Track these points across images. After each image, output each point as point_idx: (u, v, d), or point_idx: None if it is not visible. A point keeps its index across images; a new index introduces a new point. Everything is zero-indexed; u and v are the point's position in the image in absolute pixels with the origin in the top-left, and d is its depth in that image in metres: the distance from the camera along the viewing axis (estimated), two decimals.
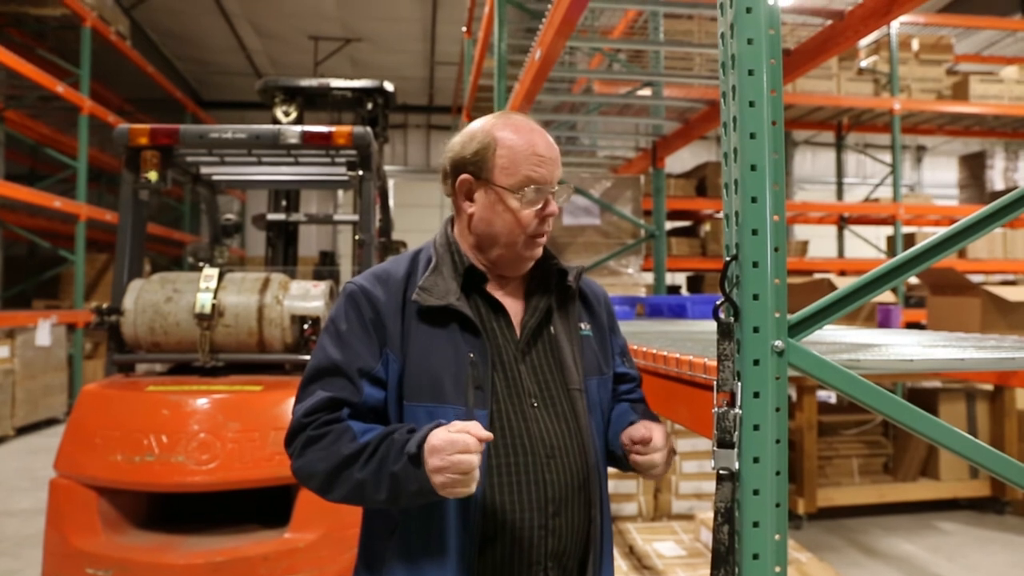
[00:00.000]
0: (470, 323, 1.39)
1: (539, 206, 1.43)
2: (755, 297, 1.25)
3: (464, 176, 1.46)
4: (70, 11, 8.51)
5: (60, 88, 8.33)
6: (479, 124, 1.48)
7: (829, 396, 6.41)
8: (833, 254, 10.43)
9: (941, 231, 1.31)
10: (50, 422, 8.42)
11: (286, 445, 1.41)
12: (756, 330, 1.25)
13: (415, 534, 1.35)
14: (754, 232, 1.25)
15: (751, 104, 1.26)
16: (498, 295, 1.48)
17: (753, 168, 1.25)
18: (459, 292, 1.41)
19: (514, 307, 1.49)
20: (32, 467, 6.40)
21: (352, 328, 1.40)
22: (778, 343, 1.25)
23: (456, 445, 1.20)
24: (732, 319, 1.28)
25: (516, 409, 1.40)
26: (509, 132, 1.44)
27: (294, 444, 1.37)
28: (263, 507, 3.05)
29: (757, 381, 1.25)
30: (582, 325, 1.54)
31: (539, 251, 1.48)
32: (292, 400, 3.06)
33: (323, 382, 1.38)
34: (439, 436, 1.22)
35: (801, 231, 12.82)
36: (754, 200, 1.25)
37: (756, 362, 1.25)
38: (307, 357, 3.28)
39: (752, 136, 1.26)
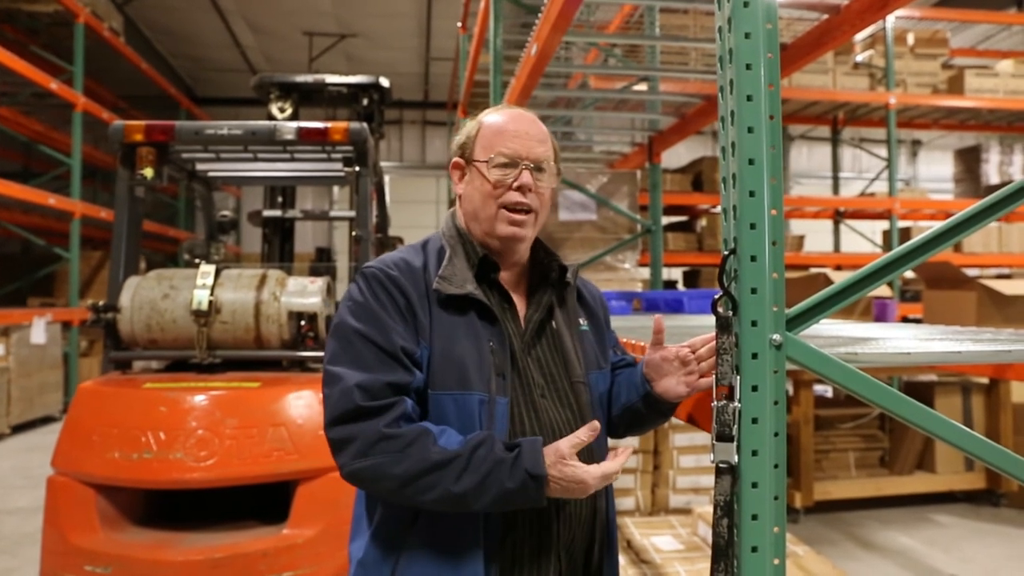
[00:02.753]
0: (488, 311, 1.41)
1: (510, 177, 1.44)
2: (753, 291, 1.26)
3: (456, 160, 1.53)
4: (63, 7, 8.46)
5: (54, 85, 8.29)
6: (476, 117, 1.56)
7: (826, 390, 6.43)
8: (829, 248, 10.45)
9: (937, 225, 1.31)
10: (45, 420, 8.40)
11: (334, 432, 1.30)
12: (754, 324, 1.26)
13: (441, 523, 1.35)
14: (752, 226, 1.25)
15: (749, 98, 1.26)
16: (506, 287, 1.50)
17: (751, 162, 1.26)
18: (475, 281, 1.43)
19: (518, 300, 1.51)
20: (28, 465, 6.39)
21: (388, 311, 1.37)
22: (776, 337, 1.26)
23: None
24: (730, 313, 1.28)
25: (527, 399, 1.42)
26: (494, 116, 1.51)
27: (354, 440, 1.28)
28: (262, 503, 3.05)
29: (756, 374, 1.26)
30: (581, 321, 1.58)
31: (521, 231, 1.45)
32: (289, 396, 3.06)
33: (368, 363, 1.32)
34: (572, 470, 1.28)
35: (797, 226, 12.84)
36: (752, 194, 1.25)
37: (755, 356, 1.26)
38: (304, 353, 3.28)
39: (750, 130, 1.26)
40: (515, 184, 1.43)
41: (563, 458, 1.27)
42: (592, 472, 1.28)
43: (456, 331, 1.38)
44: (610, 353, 1.65)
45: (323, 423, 1.33)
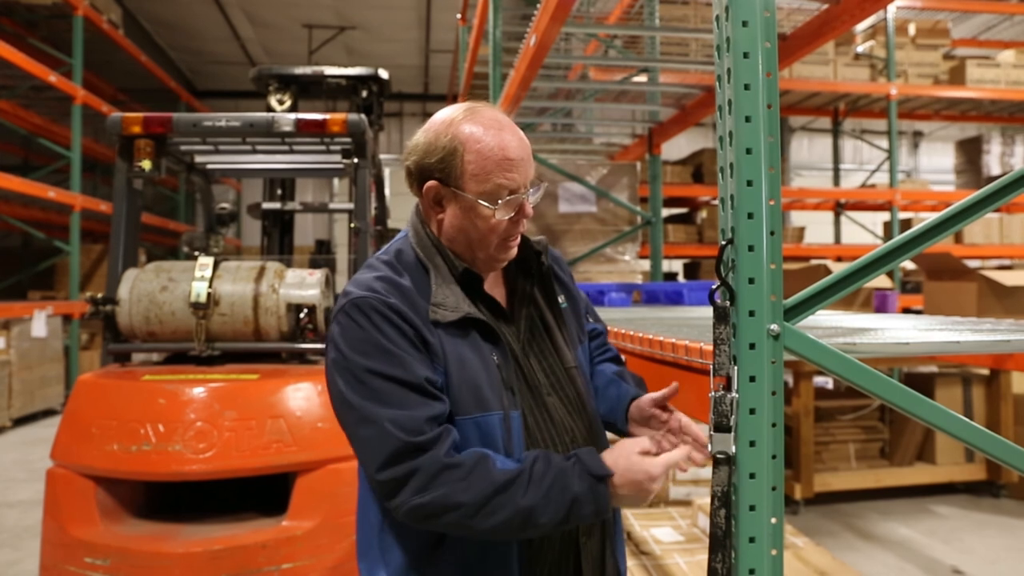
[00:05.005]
0: (487, 327, 1.37)
1: (514, 213, 1.37)
2: (751, 281, 1.25)
3: (431, 183, 1.37)
4: (62, 0, 8.45)
5: (53, 78, 8.27)
6: (443, 122, 1.37)
7: (826, 382, 6.44)
8: (830, 240, 10.44)
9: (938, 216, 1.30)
10: (47, 413, 8.43)
11: (386, 473, 1.22)
12: (752, 314, 1.25)
13: (468, 545, 1.32)
14: (750, 216, 1.25)
15: (746, 87, 1.25)
16: (492, 293, 1.45)
17: (748, 151, 1.25)
18: (466, 298, 1.37)
19: (499, 298, 1.47)
20: (29, 458, 6.40)
21: (398, 344, 1.28)
22: (774, 327, 1.25)
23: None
24: (728, 303, 1.27)
25: (539, 404, 1.39)
26: (478, 132, 1.33)
27: (413, 476, 1.21)
28: (261, 495, 3.05)
29: (753, 365, 1.25)
30: (560, 299, 1.54)
31: (514, 252, 1.43)
32: (288, 388, 3.06)
33: (396, 401, 1.25)
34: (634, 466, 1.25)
35: (798, 217, 12.82)
36: (749, 184, 1.25)
37: (752, 346, 1.25)
38: (303, 345, 3.27)
39: (747, 119, 1.25)
40: (518, 217, 1.38)
41: (629, 453, 1.26)
42: (656, 462, 1.26)
43: (463, 352, 1.33)
44: (585, 320, 1.63)
45: (368, 469, 1.26)
